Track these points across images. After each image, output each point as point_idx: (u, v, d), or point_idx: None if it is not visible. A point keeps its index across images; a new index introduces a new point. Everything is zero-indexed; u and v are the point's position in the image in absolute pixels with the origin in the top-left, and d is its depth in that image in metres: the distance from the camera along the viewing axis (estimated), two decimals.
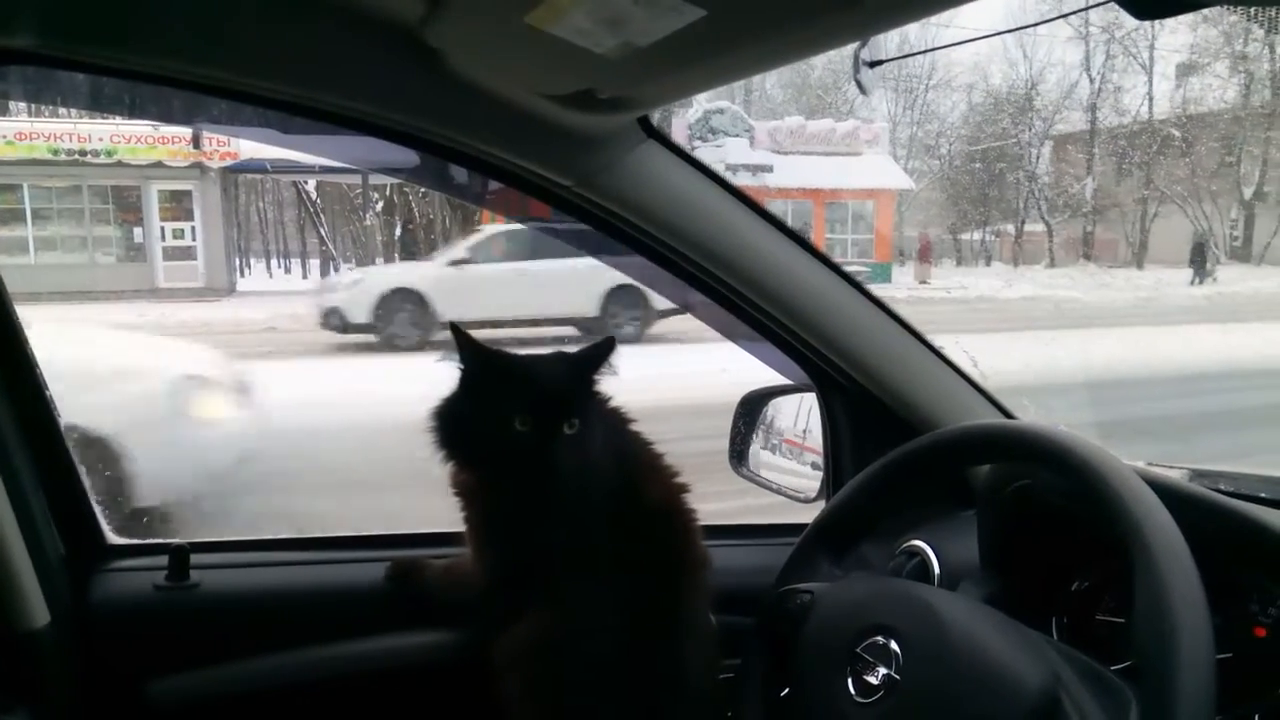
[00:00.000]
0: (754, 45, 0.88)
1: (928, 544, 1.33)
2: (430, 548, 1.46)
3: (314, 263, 29.65)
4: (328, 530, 1.55)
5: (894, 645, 0.95)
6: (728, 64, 0.94)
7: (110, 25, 0.98)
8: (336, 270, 24.40)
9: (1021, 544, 1.20)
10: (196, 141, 18.18)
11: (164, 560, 1.38)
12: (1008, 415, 1.48)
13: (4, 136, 17.89)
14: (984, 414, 1.46)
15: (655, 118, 1.22)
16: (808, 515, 1.59)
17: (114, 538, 1.43)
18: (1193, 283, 22.86)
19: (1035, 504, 1.17)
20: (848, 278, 1.40)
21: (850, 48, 0.99)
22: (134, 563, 1.41)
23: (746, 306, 1.38)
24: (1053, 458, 0.97)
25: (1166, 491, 0.91)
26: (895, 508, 1.23)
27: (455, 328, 1.20)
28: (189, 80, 1.07)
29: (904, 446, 1.16)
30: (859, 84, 1.05)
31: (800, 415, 1.68)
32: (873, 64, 1.01)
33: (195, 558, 1.39)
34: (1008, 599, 1.10)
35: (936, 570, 1.30)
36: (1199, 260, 23.55)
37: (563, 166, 1.21)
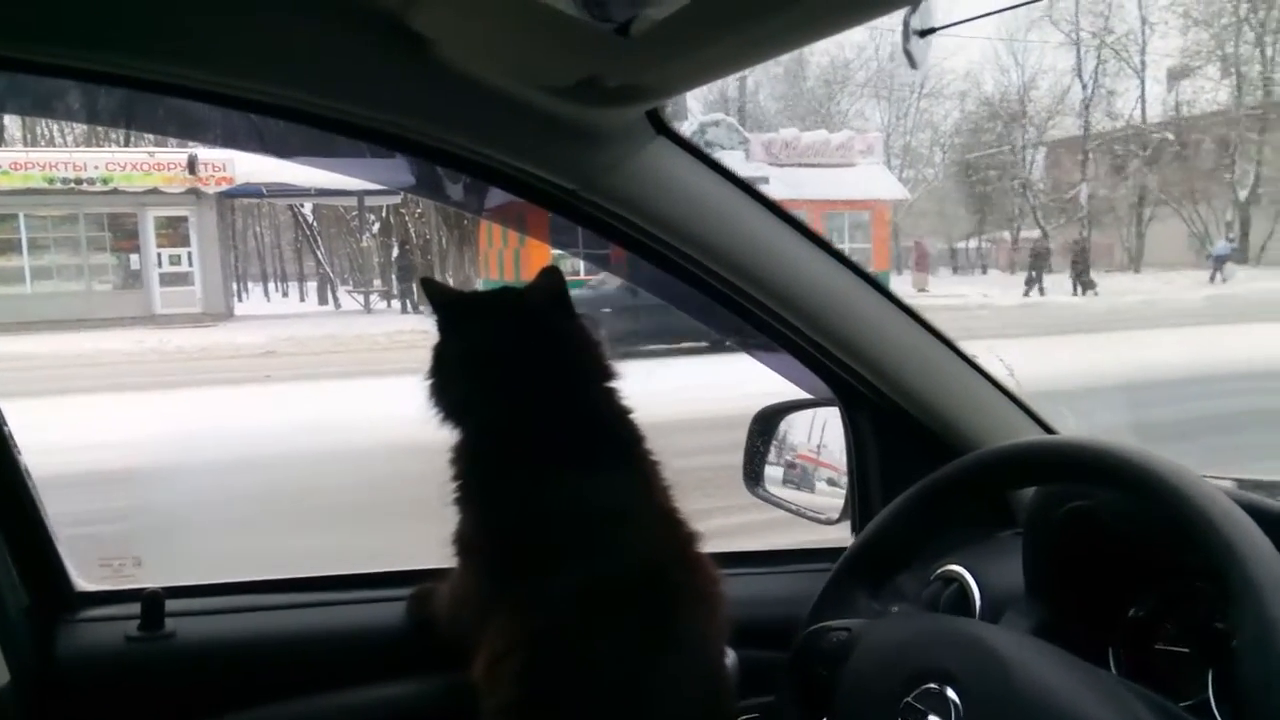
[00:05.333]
0: (783, 14, 0.78)
1: (966, 569, 1.24)
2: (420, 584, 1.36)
3: (311, 285, 29.76)
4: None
5: (951, 693, 0.86)
6: (752, 40, 0.84)
7: (65, 22, 0.89)
8: (334, 293, 24.47)
9: (1072, 569, 1.10)
10: (192, 167, 18.30)
11: (136, 608, 1.28)
12: (1048, 429, 1.39)
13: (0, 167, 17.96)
14: (1024, 428, 1.37)
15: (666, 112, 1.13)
16: (832, 537, 1.49)
17: (83, 584, 1.34)
18: (1075, 293, 23.10)
19: (1090, 527, 1.07)
20: (874, 284, 1.32)
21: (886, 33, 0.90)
22: (104, 611, 1.32)
23: (766, 316, 1.29)
24: (1131, 480, 0.87)
25: (1256, 511, 0.82)
26: (937, 534, 1.14)
27: (424, 280, 1.29)
28: (155, 80, 0.97)
29: (949, 466, 1.07)
30: (908, 54, 0.95)
31: (814, 430, 1.60)
32: (924, 33, 0.91)
33: (170, 604, 1.30)
34: (1058, 628, 1.01)
35: (977, 598, 1.21)
36: (1083, 272, 23.69)
37: (565, 167, 1.12)
